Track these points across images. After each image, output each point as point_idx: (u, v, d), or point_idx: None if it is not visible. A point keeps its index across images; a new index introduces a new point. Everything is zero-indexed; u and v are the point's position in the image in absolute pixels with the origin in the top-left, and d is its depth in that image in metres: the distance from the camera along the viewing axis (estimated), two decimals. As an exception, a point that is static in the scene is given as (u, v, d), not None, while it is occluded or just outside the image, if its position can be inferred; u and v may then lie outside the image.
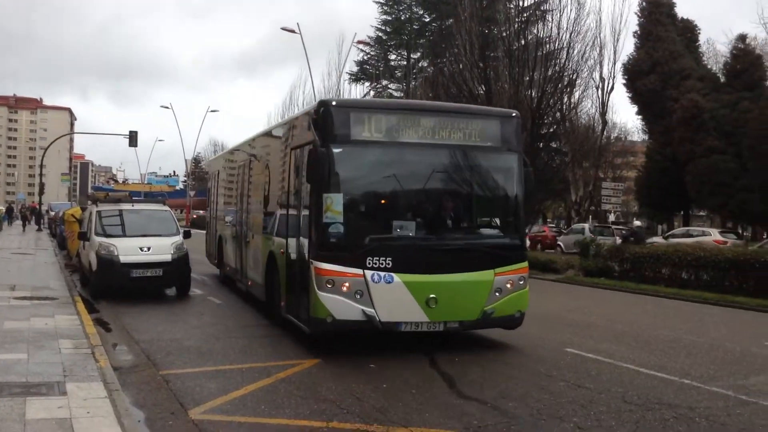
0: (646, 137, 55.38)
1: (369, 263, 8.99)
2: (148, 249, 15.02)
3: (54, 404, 6.57)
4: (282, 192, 11.52)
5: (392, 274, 9.04)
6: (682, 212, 51.86)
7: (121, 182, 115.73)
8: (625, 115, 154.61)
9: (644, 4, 48.99)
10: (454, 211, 10.01)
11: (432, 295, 9.12)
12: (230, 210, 17.34)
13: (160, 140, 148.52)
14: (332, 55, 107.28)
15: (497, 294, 9.61)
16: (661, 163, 46.41)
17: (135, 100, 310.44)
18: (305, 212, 9.67)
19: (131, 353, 9.68)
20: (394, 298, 9.04)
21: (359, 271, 8.97)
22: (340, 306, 8.92)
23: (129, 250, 14.88)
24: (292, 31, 38.18)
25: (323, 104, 9.50)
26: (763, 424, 6.92)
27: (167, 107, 72.27)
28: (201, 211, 72.28)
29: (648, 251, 21.95)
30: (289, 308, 10.41)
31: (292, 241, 10.34)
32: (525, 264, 10.13)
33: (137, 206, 16.99)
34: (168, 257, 15.10)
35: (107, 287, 14.89)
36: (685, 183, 43.16)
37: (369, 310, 8.95)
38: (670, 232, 38.91)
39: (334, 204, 8.97)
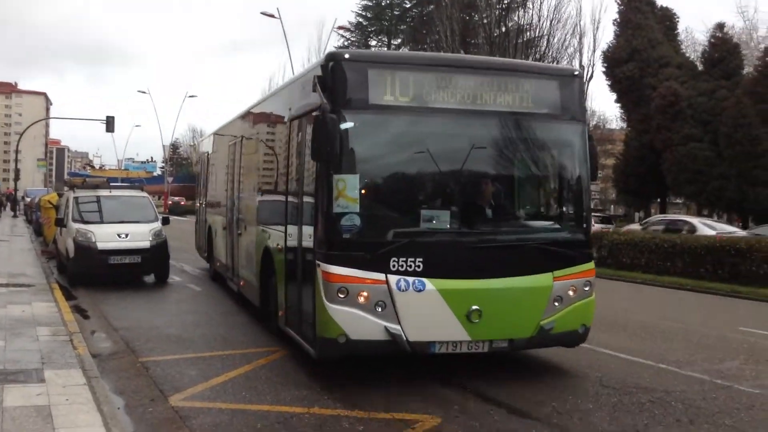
0: (624, 125, 55.77)
1: (393, 266, 7.07)
2: (126, 235, 14.89)
3: (32, 392, 6.53)
4: (279, 174, 9.49)
5: (424, 279, 7.12)
6: (659, 199, 52.38)
7: (97, 168, 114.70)
8: (604, 103, 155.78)
9: (624, -9, 49.16)
10: (502, 197, 8.16)
11: (475, 307, 7.21)
12: (220, 197, 15.27)
13: (137, 126, 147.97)
14: (312, 40, 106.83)
15: (556, 304, 7.65)
16: (638, 151, 46.71)
17: (112, 85, 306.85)
18: (309, 199, 7.68)
19: (110, 340, 9.63)
20: (426, 310, 7.15)
21: (381, 276, 7.04)
22: (356, 322, 7.01)
23: (107, 236, 14.74)
24: (272, 16, 37.92)
25: (333, 58, 7.35)
26: (737, 408, 7.04)
27: (144, 92, 71.60)
28: (176, 198, 72.04)
29: (626, 238, 22.17)
30: (290, 321, 8.47)
31: (292, 236, 8.33)
32: (591, 265, 8.04)
33: (115, 192, 16.83)
34: (146, 244, 14.98)
35: (85, 274, 14.74)
36: (663, 170, 43.55)
37: (394, 327, 7.05)
38: (646, 220, 39.31)
39: (348, 188, 6.99)
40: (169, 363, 8.30)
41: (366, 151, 7.33)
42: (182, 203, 68.62)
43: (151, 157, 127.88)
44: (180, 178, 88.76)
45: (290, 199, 8.58)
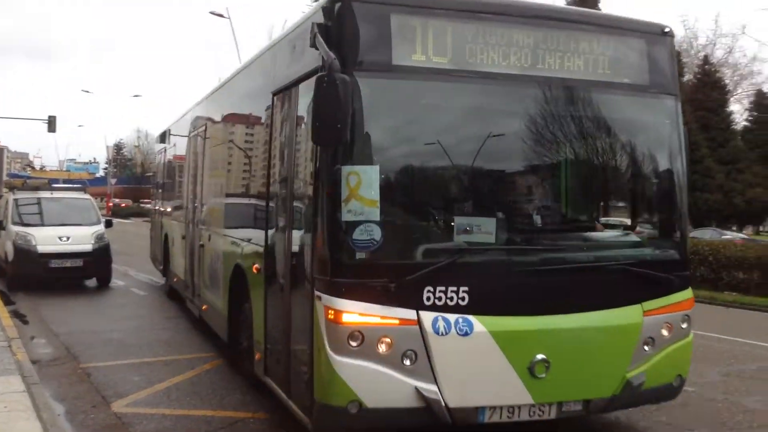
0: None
1: (428, 298, 4.99)
2: (68, 239, 14.62)
3: (-32, 400, 6.36)
4: (258, 168, 7.41)
5: (470, 317, 5.05)
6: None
7: (38, 169, 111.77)
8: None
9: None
10: (574, 200, 6.16)
11: (540, 356, 5.19)
12: (178, 199, 12.92)
13: (80, 126, 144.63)
14: (262, 41, 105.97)
15: (647, 348, 5.65)
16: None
17: (55, 85, 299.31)
18: (302, 202, 5.72)
19: (50, 346, 9.42)
20: (474, 363, 5.11)
21: (410, 314, 4.95)
22: (374, 382, 4.94)
23: (47, 239, 14.44)
24: (221, 16, 37.56)
25: None
26: (673, 405, 7.28)
27: (88, 92, 70.13)
28: (116, 200, 70.90)
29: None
30: (272, 370, 6.34)
31: (277, 253, 6.21)
32: (689, 293, 5.96)
33: (56, 194, 16.53)
34: (88, 247, 14.74)
35: (24, 278, 14.37)
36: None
37: (428, 389, 4.99)
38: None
39: (364, 185, 4.82)
40: (112, 369, 8.18)
41: (388, 131, 5.29)
42: (123, 205, 67.57)
43: (94, 158, 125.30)
44: (124, 179, 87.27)
45: (274, 201, 6.44)
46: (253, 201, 7.43)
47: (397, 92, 5.23)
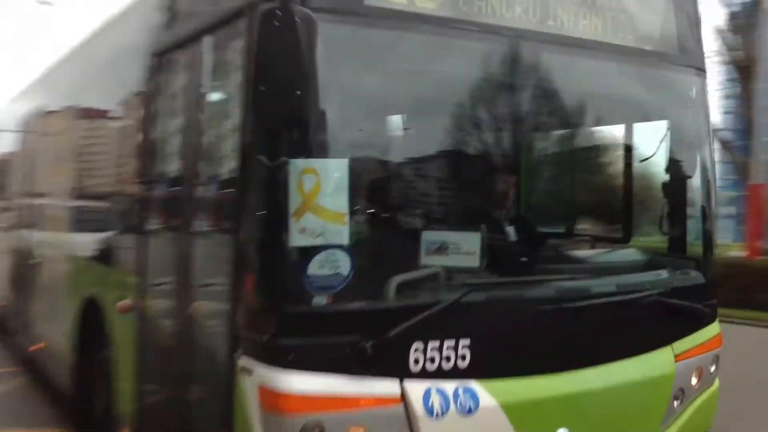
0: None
1: (416, 360, 3.29)
2: None
3: None
4: (131, 162, 4.98)
5: (473, 385, 3.42)
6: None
7: None
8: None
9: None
10: (591, 210, 5.34)
11: (562, 431, 3.71)
12: (5, 202, 10.08)
13: None
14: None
15: (677, 402, 4.30)
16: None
17: None
18: (211, 217, 3.95)
19: None
20: None
21: (392, 387, 3.23)
22: None
23: None
24: (49, 4, 35.36)
25: None
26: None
27: None
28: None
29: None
30: None
31: (162, 286, 4.27)
32: (716, 328, 4.64)
33: None
34: None
35: None
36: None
37: None
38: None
39: (326, 189, 3.02)
40: None
41: (362, 107, 3.64)
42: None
43: None
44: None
45: (162, 210, 4.51)
46: (123, 208, 5.19)
47: (372, 47, 3.51)
